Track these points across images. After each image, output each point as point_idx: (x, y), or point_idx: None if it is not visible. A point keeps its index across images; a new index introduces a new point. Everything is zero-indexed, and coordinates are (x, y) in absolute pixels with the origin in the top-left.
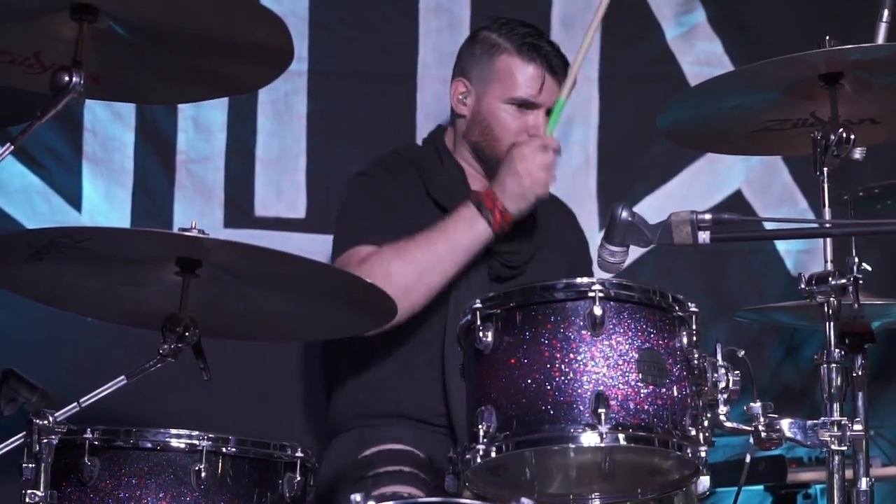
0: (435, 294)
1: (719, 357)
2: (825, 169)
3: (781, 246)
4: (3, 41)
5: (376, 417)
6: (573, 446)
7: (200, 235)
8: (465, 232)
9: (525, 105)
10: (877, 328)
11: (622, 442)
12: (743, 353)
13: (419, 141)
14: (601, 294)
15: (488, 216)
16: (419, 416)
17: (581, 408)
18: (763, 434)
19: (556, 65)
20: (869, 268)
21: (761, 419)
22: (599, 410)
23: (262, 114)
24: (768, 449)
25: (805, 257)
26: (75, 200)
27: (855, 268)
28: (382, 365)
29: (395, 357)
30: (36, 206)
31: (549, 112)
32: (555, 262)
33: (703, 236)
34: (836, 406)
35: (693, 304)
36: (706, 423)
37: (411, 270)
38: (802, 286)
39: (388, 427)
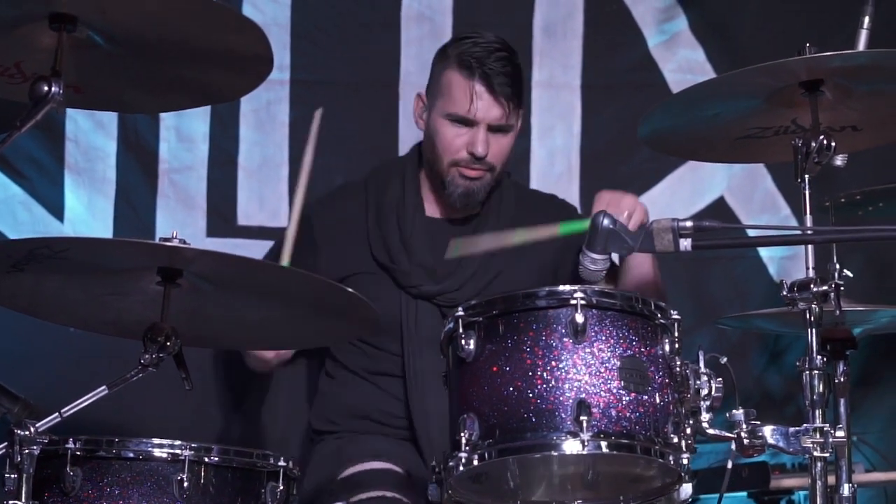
0: None
1: (702, 364)
2: (806, 176)
3: (764, 252)
4: None
5: (349, 423)
6: (555, 454)
7: (181, 245)
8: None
9: (462, 122)
10: (858, 334)
11: (604, 449)
12: (725, 360)
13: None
14: (583, 301)
15: None
16: (384, 423)
17: (563, 415)
18: (746, 441)
19: (496, 82)
20: (851, 274)
21: (744, 426)
22: (581, 418)
23: (245, 123)
24: (751, 456)
25: (788, 264)
26: (57, 210)
27: (837, 274)
28: (351, 376)
29: (360, 368)
30: (18, 216)
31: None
32: (526, 270)
33: (685, 243)
34: (818, 413)
35: (675, 312)
36: (688, 431)
37: None
38: (784, 293)
39: (362, 439)
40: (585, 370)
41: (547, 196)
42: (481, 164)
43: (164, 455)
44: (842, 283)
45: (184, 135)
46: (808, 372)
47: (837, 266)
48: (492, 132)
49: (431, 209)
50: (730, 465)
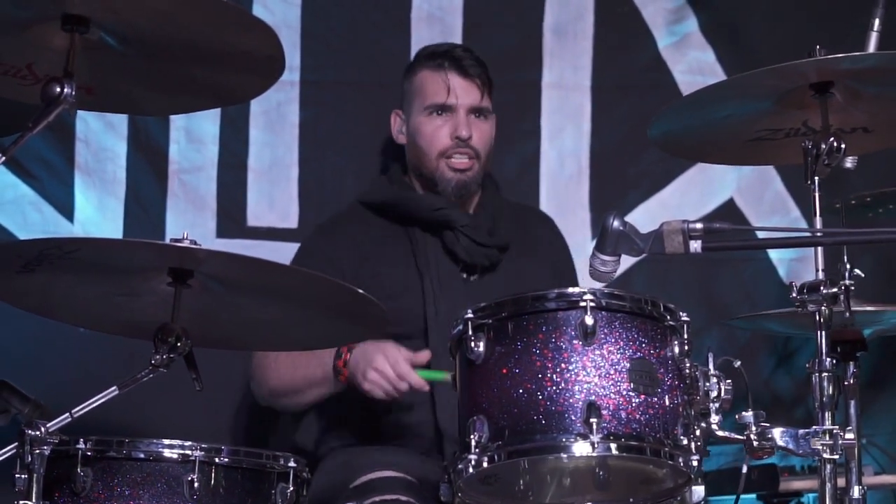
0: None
1: (711, 366)
2: (816, 178)
3: (774, 254)
4: None
5: (364, 440)
6: (565, 456)
7: (192, 246)
8: (321, 368)
9: (442, 109)
10: (869, 336)
11: (614, 451)
12: (739, 363)
13: None
14: (592, 304)
15: (338, 369)
16: (408, 439)
17: (573, 417)
18: (755, 443)
19: (466, 65)
20: (862, 273)
21: (753, 428)
22: (591, 420)
23: (255, 124)
24: (760, 458)
25: (798, 266)
26: (67, 211)
27: (847, 274)
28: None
29: None
30: (28, 217)
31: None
32: (536, 272)
33: (695, 245)
34: (827, 415)
35: (684, 314)
36: (698, 432)
37: (280, 382)
38: (794, 295)
39: (374, 450)
40: (595, 372)
41: (528, 207)
42: (468, 148)
43: (175, 456)
44: (852, 283)
45: (194, 136)
46: (817, 374)
47: (847, 266)
48: (472, 116)
49: None
50: (745, 468)
